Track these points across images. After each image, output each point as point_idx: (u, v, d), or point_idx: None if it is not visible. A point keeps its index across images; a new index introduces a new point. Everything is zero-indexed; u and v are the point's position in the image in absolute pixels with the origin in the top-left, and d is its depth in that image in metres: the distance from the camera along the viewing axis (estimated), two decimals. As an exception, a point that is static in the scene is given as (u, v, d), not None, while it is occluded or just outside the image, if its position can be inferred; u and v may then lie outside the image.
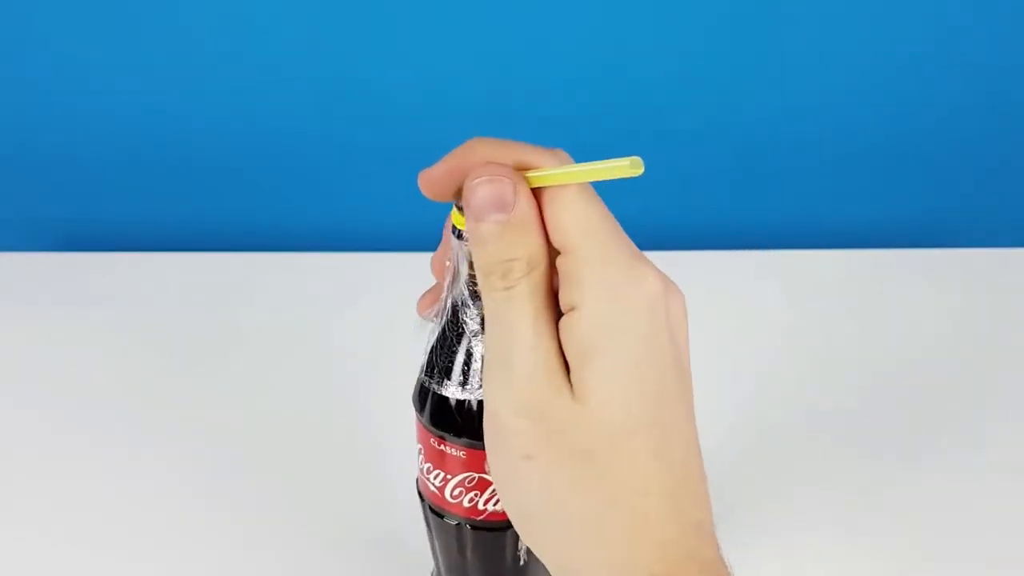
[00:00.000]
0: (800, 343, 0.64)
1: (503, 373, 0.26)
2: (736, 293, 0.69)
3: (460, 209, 0.28)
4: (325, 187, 0.76)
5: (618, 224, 0.26)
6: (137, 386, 0.60)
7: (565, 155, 0.27)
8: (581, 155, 0.72)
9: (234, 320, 0.67)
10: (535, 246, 0.26)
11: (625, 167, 0.24)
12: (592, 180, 0.25)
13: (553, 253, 0.26)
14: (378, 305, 0.63)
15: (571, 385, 0.25)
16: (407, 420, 0.43)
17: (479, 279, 0.27)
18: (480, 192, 0.25)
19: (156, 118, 0.72)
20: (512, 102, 0.70)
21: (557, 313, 0.26)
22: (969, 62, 0.69)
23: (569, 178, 0.25)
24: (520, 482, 0.26)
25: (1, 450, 0.55)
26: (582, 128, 0.71)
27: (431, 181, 0.28)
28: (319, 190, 0.76)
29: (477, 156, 0.26)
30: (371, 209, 0.76)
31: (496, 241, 0.25)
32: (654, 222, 0.77)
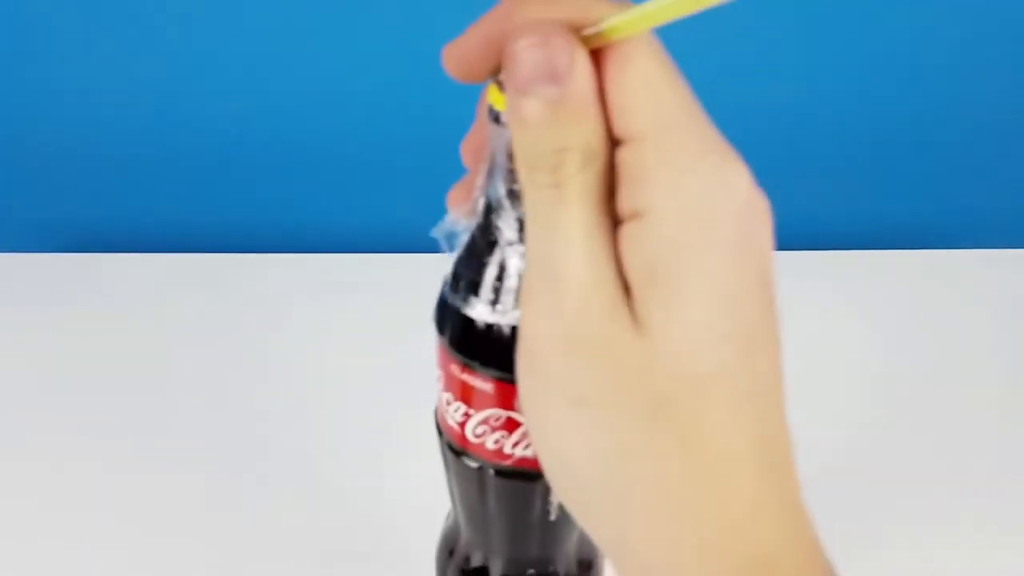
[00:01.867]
0: (799, 343, 0.63)
1: (548, 296, 0.20)
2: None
3: (500, 84, 0.23)
4: (325, 187, 0.76)
5: (700, 107, 0.21)
6: (137, 386, 0.60)
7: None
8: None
9: (234, 320, 0.67)
10: (595, 133, 0.20)
11: None
12: (656, 22, 0.20)
13: (615, 143, 0.20)
14: (378, 305, 0.63)
15: (634, 314, 0.20)
16: (407, 420, 0.43)
17: (521, 174, 0.21)
18: (526, 58, 0.19)
19: (156, 118, 0.72)
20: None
21: (618, 222, 0.21)
22: (969, 62, 0.69)
23: (623, 30, 0.19)
24: (566, 434, 0.21)
25: (1, 450, 0.55)
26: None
27: (460, 52, 0.22)
28: (319, 190, 0.76)
29: (521, 17, 0.20)
30: (371, 209, 0.76)
31: (546, 124, 0.19)
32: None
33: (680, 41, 0.74)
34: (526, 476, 0.29)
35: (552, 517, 0.31)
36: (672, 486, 0.20)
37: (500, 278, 0.25)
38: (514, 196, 0.24)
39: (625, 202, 0.20)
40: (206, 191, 0.76)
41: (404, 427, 0.43)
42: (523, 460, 0.28)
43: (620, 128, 0.20)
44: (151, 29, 0.67)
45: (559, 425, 0.21)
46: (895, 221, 0.78)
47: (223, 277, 0.72)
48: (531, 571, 0.35)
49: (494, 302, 0.25)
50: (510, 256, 0.25)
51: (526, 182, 0.20)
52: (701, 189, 0.19)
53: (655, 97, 0.20)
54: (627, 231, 0.20)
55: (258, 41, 0.68)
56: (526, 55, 0.19)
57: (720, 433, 0.20)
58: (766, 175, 0.84)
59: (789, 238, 0.79)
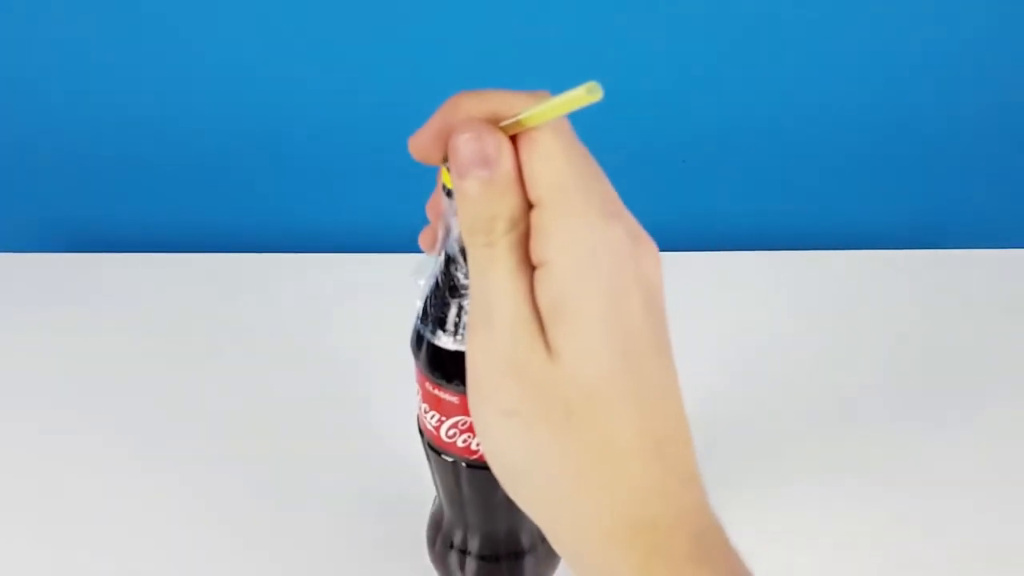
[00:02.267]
0: (799, 343, 0.64)
1: (483, 330, 0.26)
2: (736, 293, 0.69)
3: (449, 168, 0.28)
4: (325, 187, 0.76)
5: (599, 175, 0.26)
6: (137, 386, 0.60)
7: (546, 94, 0.26)
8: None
9: (234, 320, 0.67)
10: (518, 204, 0.25)
11: (582, 95, 0.24)
12: (554, 116, 0.25)
13: (529, 207, 0.26)
14: (377, 305, 0.63)
15: (546, 343, 0.25)
16: (407, 420, 0.43)
17: (463, 235, 0.26)
18: (463, 150, 0.25)
19: (156, 118, 0.72)
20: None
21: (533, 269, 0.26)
22: (969, 62, 0.69)
23: (533, 120, 0.25)
24: (503, 439, 0.26)
25: (1, 450, 0.55)
26: (580, 130, 0.71)
27: (419, 145, 0.28)
28: (319, 190, 0.76)
29: (461, 112, 0.26)
30: (371, 209, 0.76)
31: (479, 198, 0.25)
32: (653, 223, 0.76)
33: (681, 41, 0.75)
34: (489, 467, 0.33)
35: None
36: (578, 472, 0.25)
37: (459, 315, 0.32)
38: (465, 253, 0.29)
39: (534, 254, 0.25)
40: (206, 191, 0.76)
41: (407, 426, 0.43)
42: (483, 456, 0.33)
43: (530, 195, 0.25)
44: (151, 29, 0.67)
45: (495, 432, 0.26)
46: (895, 221, 0.78)
47: (223, 276, 0.72)
48: (502, 542, 0.42)
49: (455, 334, 0.32)
50: (465, 299, 0.31)
51: (467, 242, 0.26)
52: (585, 241, 0.25)
53: (554, 170, 0.25)
54: (536, 277, 0.25)
55: (258, 41, 0.68)
56: (464, 147, 0.25)
57: (612, 428, 0.25)
58: (766, 175, 0.84)
59: (789, 238, 0.80)
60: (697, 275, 0.70)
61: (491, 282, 0.26)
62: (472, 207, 0.25)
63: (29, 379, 0.61)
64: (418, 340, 0.34)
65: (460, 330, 0.32)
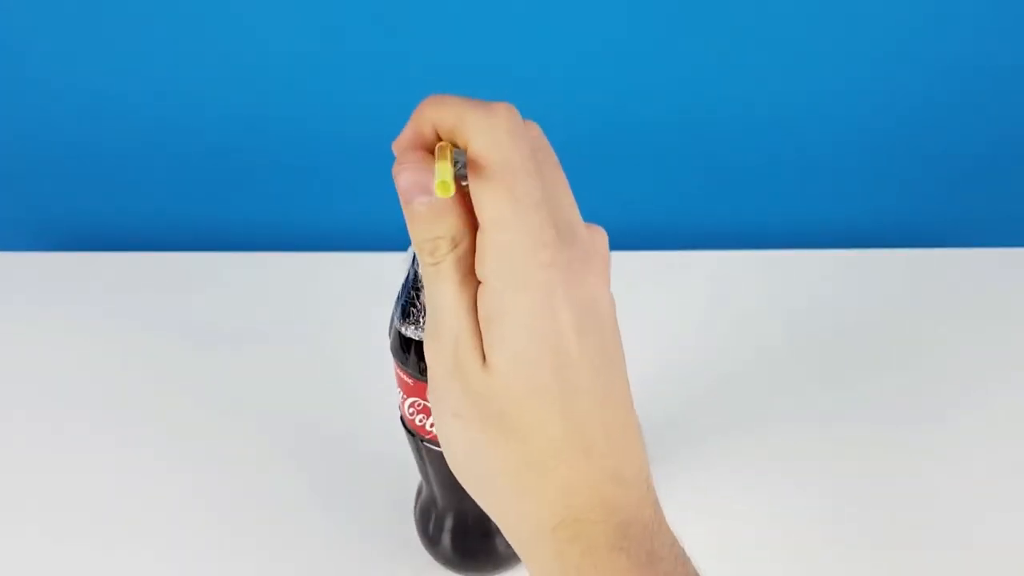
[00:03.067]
0: (799, 343, 0.64)
1: (433, 339, 0.29)
2: (736, 293, 0.69)
3: None
4: (325, 187, 0.76)
5: (537, 203, 0.27)
6: (137, 385, 0.60)
7: (504, 115, 0.27)
8: (580, 155, 0.72)
9: (234, 320, 0.67)
10: (457, 225, 0.28)
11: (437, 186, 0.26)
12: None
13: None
14: (377, 305, 0.63)
15: (483, 353, 0.28)
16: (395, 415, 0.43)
17: (416, 254, 0.30)
18: (403, 179, 0.28)
19: (156, 118, 0.72)
20: (513, 101, 0.70)
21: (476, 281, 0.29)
22: (969, 62, 0.69)
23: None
24: (452, 438, 0.29)
25: (1, 450, 0.55)
26: (581, 129, 0.71)
27: (399, 152, 0.30)
28: (319, 190, 0.76)
29: (427, 123, 0.29)
30: (371, 209, 0.76)
31: (422, 221, 0.28)
32: (653, 222, 0.77)
33: (681, 40, 0.74)
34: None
35: None
36: (511, 474, 0.28)
37: (415, 306, 0.37)
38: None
39: (476, 267, 0.28)
40: (205, 191, 0.76)
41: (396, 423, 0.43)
42: (436, 436, 0.37)
43: (477, 215, 0.28)
44: (150, 29, 0.67)
45: (446, 430, 0.29)
46: (895, 221, 0.78)
47: (222, 276, 0.72)
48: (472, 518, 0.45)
49: (414, 324, 0.37)
50: (421, 291, 0.36)
51: (419, 261, 0.30)
52: (515, 259, 0.27)
53: (492, 202, 0.27)
54: (479, 291, 0.28)
55: (257, 40, 0.68)
56: (403, 177, 0.28)
57: (540, 433, 0.27)
58: (766, 175, 0.84)
59: (789, 238, 0.80)
60: (696, 275, 0.70)
61: (437, 296, 0.28)
62: (417, 230, 0.28)
63: (28, 378, 0.61)
64: (390, 326, 0.39)
65: (417, 319, 0.36)
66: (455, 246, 0.28)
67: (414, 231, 0.29)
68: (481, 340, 0.28)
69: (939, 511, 0.51)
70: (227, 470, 0.54)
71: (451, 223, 0.28)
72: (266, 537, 0.49)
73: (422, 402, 0.39)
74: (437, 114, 0.29)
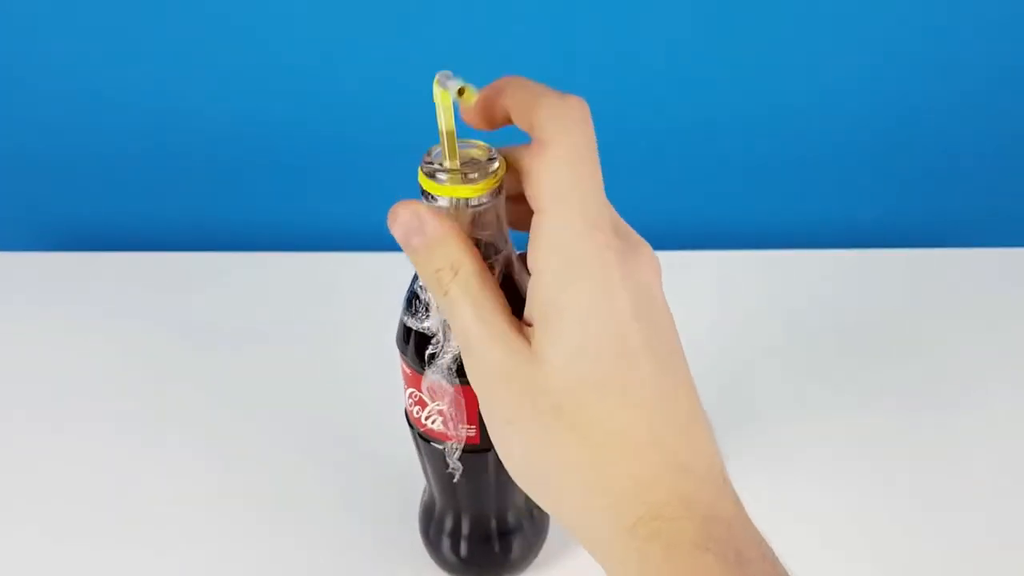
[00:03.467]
0: (800, 343, 0.64)
1: (469, 358, 0.29)
2: (736, 293, 0.69)
3: (428, 175, 0.33)
4: (325, 187, 0.76)
5: (597, 189, 0.27)
6: (136, 385, 0.60)
7: (577, 104, 0.28)
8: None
9: (234, 320, 0.67)
10: (453, 253, 0.29)
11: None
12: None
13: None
14: (377, 304, 0.63)
15: (532, 348, 0.27)
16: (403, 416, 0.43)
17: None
18: (397, 226, 0.30)
19: (156, 118, 0.72)
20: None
21: (495, 287, 0.30)
22: (969, 62, 0.69)
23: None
24: (508, 446, 0.29)
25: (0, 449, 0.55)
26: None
27: (469, 115, 0.31)
28: (319, 190, 0.76)
29: (500, 97, 0.31)
30: (371, 209, 0.76)
31: (421, 256, 0.30)
32: (653, 222, 0.77)
33: (681, 40, 0.74)
34: (434, 441, 0.40)
35: (455, 479, 0.41)
36: (579, 473, 0.27)
37: (419, 297, 0.37)
38: None
39: (528, 258, 0.28)
40: (205, 190, 0.76)
41: (405, 425, 0.43)
42: (429, 430, 0.39)
43: (531, 200, 0.28)
44: (150, 29, 0.67)
45: (502, 439, 0.29)
46: (895, 221, 0.78)
47: (222, 276, 0.72)
48: (491, 522, 0.45)
49: (414, 314, 0.37)
50: (425, 294, 0.37)
51: (434, 298, 0.32)
52: (571, 247, 0.27)
53: (552, 182, 0.27)
54: (529, 283, 0.28)
55: (257, 40, 0.68)
56: (397, 223, 0.30)
57: (601, 426, 0.26)
58: (766, 175, 0.84)
59: (789, 238, 0.80)
60: (697, 275, 0.70)
61: (458, 320, 0.29)
62: (421, 267, 0.30)
63: (28, 378, 0.61)
64: (400, 318, 0.39)
65: (418, 312, 0.37)
66: (455, 272, 0.29)
67: (419, 269, 0.30)
68: (518, 342, 0.28)
69: (939, 511, 0.51)
70: (227, 470, 0.54)
71: (446, 251, 0.29)
72: (266, 537, 0.49)
73: (418, 393, 0.39)
74: (513, 91, 0.30)
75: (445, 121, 0.34)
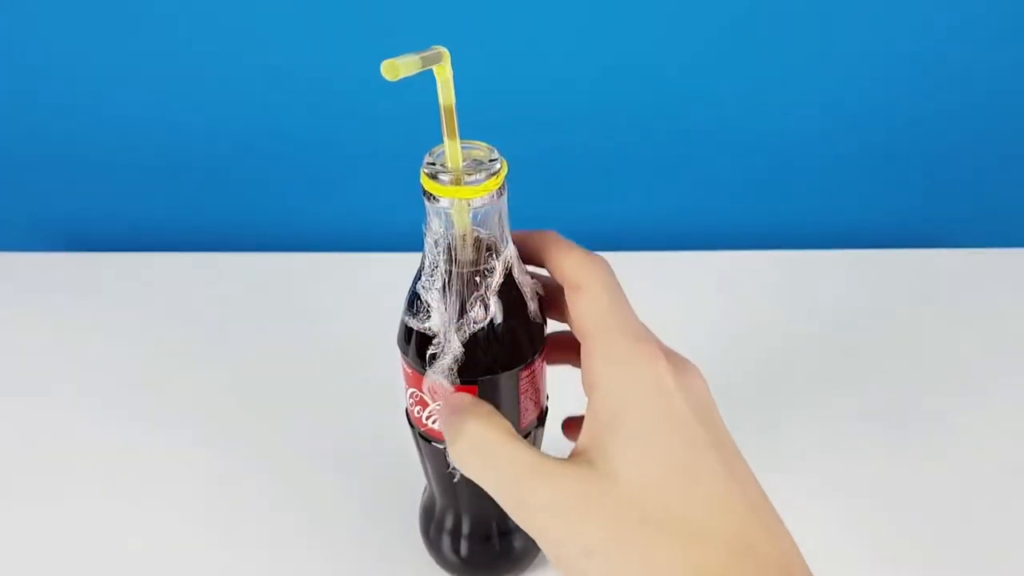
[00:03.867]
0: (800, 343, 0.64)
1: (531, 498, 0.29)
2: (736, 293, 0.69)
3: (430, 176, 0.34)
4: (325, 187, 0.76)
5: (634, 314, 0.31)
6: (136, 385, 0.60)
7: (602, 260, 0.32)
8: (574, 157, 0.72)
9: (233, 320, 0.67)
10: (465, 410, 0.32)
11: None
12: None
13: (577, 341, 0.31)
14: (376, 304, 0.63)
15: (588, 463, 0.28)
16: (403, 416, 0.43)
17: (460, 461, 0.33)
18: (447, 423, 0.33)
19: (156, 118, 0.72)
20: (513, 102, 0.70)
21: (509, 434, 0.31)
22: (969, 62, 0.69)
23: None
24: None
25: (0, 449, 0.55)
26: (581, 128, 0.71)
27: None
28: (319, 190, 0.76)
29: (541, 248, 0.35)
30: (371, 209, 0.76)
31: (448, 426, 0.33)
32: (654, 222, 0.77)
33: (682, 42, 0.74)
34: (434, 441, 0.40)
35: (455, 479, 0.41)
36: (668, 569, 0.26)
37: (418, 298, 0.37)
38: (434, 249, 0.36)
39: (585, 379, 0.30)
40: (204, 191, 0.76)
41: (404, 425, 0.43)
42: (431, 430, 0.40)
43: (578, 333, 0.31)
44: (149, 29, 0.67)
45: (578, 571, 0.27)
46: (895, 221, 0.78)
47: (223, 276, 0.72)
48: (492, 521, 0.45)
49: (415, 314, 0.37)
50: (419, 280, 0.38)
51: (462, 467, 0.33)
52: (627, 360, 0.29)
53: (597, 309, 0.30)
54: (588, 406, 0.29)
55: (256, 41, 0.68)
56: (447, 422, 0.33)
57: (694, 526, 0.26)
58: (767, 175, 0.84)
59: (789, 238, 0.80)
60: (697, 275, 0.70)
61: (504, 471, 0.30)
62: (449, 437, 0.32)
63: (27, 378, 0.61)
64: (402, 328, 0.40)
65: (419, 312, 0.37)
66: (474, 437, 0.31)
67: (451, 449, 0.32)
68: (582, 467, 0.28)
69: (938, 511, 0.51)
70: (226, 471, 0.54)
71: (472, 428, 0.32)
72: (264, 537, 0.49)
73: (419, 393, 0.39)
74: (548, 243, 0.33)
75: (444, 96, 0.34)
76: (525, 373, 0.39)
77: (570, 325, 0.32)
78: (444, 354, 0.37)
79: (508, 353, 0.38)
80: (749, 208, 0.77)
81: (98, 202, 0.77)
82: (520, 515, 0.29)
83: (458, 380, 0.37)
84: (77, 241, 0.79)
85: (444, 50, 0.32)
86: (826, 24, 0.67)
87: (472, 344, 0.37)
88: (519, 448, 0.29)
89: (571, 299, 0.31)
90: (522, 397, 0.40)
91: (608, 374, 0.29)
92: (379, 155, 0.73)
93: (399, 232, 0.73)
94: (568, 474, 0.28)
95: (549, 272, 0.34)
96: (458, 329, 0.37)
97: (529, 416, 0.41)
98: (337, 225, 0.78)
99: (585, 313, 0.30)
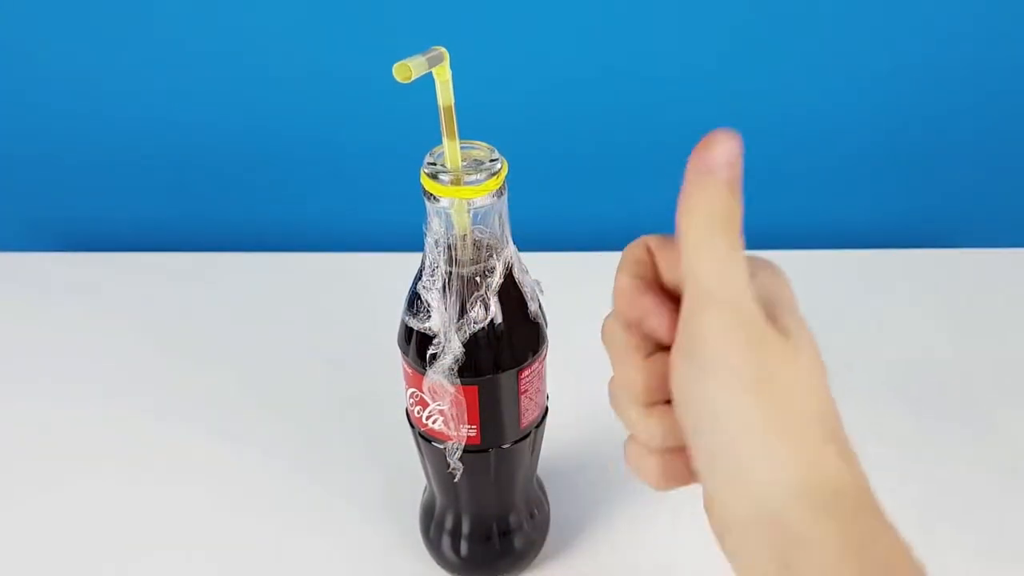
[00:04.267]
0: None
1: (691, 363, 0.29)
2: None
3: (431, 176, 0.35)
4: (326, 187, 0.76)
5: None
6: (136, 385, 0.60)
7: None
8: (574, 157, 0.71)
9: (233, 320, 0.67)
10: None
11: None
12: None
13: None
14: (378, 304, 0.63)
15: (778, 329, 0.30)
16: (403, 418, 0.43)
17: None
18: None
19: (156, 118, 0.72)
20: (514, 102, 0.70)
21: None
22: (969, 62, 0.69)
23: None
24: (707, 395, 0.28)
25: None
26: (582, 128, 0.71)
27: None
28: (320, 190, 0.76)
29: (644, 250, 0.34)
30: (371, 209, 0.76)
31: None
32: (654, 222, 0.76)
33: (683, 42, 0.74)
34: (434, 440, 0.40)
35: (455, 478, 0.41)
36: (768, 435, 0.28)
37: (417, 297, 0.38)
38: (434, 247, 0.37)
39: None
40: (204, 191, 0.76)
41: (402, 424, 0.43)
42: (431, 430, 0.40)
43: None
44: (149, 29, 0.67)
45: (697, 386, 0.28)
46: (895, 221, 0.78)
47: (221, 276, 0.72)
48: (493, 520, 0.45)
49: (415, 314, 0.38)
50: (423, 289, 0.38)
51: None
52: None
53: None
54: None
55: (256, 41, 0.68)
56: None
57: (799, 402, 0.30)
58: (767, 175, 0.84)
59: (789, 238, 0.80)
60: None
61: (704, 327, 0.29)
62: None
63: (28, 378, 0.61)
64: (403, 328, 0.39)
65: (419, 311, 0.37)
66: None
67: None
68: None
69: (938, 510, 0.51)
70: (225, 471, 0.54)
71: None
72: (263, 537, 0.49)
73: (419, 393, 0.39)
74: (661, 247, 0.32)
75: (443, 96, 0.34)
76: (526, 373, 0.39)
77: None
78: (444, 354, 0.37)
79: (508, 353, 0.38)
80: (749, 208, 0.77)
81: (98, 202, 0.77)
82: (704, 310, 0.29)
83: (458, 380, 0.37)
84: (77, 241, 0.79)
85: (444, 51, 0.32)
86: (826, 25, 0.67)
87: (472, 344, 0.37)
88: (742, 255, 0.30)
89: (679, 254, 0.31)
90: (522, 397, 0.40)
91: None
92: (380, 155, 0.73)
93: (400, 232, 0.73)
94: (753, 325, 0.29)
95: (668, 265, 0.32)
96: (458, 329, 0.37)
97: (530, 415, 0.41)
98: (338, 225, 0.78)
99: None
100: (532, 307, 0.39)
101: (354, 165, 0.74)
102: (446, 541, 0.45)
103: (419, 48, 0.33)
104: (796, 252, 0.74)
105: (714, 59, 0.69)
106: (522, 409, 0.40)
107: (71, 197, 0.77)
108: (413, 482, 0.48)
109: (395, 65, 0.30)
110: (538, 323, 0.39)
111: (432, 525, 0.46)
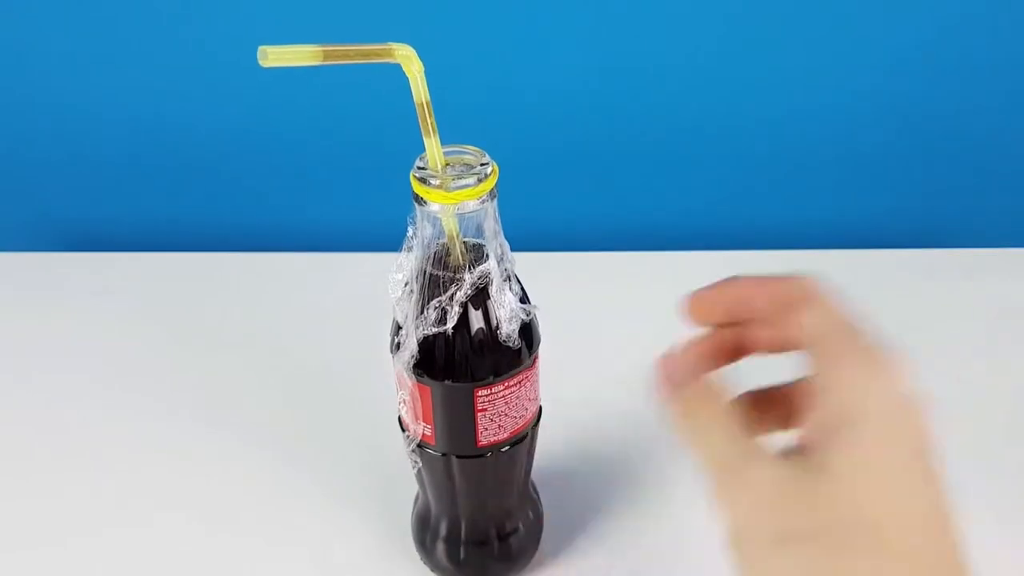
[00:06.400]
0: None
1: (735, 477, 0.28)
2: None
3: (420, 180, 0.35)
4: (325, 187, 0.76)
5: (864, 328, 0.30)
6: (136, 385, 0.60)
7: (816, 281, 0.32)
8: (577, 157, 0.71)
9: (233, 320, 0.67)
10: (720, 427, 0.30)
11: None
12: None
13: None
14: (377, 305, 0.63)
15: (805, 459, 0.27)
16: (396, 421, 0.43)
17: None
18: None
19: (156, 118, 0.72)
20: (514, 102, 0.70)
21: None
22: (969, 62, 0.69)
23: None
24: (777, 568, 0.26)
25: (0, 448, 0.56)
26: (582, 128, 0.71)
27: (701, 304, 0.33)
28: (319, 190, 0.76)
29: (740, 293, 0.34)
30: (371, 209, 0.76)
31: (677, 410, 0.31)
32: (654, 222, 0.77)
33: (684, 42, 0.74)
34: (428, 447, 0.40)
35: (415, 469, 0.42)
36: None
37: (405, 298, 0.38)
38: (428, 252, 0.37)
39: (810, 374, 0.29)
40: (205, 191, 0.76)
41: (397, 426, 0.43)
42: (402, 418, 0.41)
43: (806, 339, 0.30)
44: (149, 29, 0.67)
45: (772, 562, 0.26)
46: (895, 221, 0.78)
47: (223, 276, 0.72)
48: (490, 524, 0.44)
49: (400, 304, 0.38)
50: (405, 288, 0.38)
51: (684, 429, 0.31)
52: (864, 377, 0.27)
53: (833, 318, 0.30)
54: (814, 404, 0.28)
55: (257, 42, 0.68)
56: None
57: (897, 542, 0.26)
58: (767, 175, 0.84)
59: (790, 238, 0.79)
60: (698, 275, 0.70)
61: (705, 434, 0.30)
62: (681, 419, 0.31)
63: (28, 378, 0.61)
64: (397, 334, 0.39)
65: (401, 296, 0.38)
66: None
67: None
68: (794, 456, 0.27)
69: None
70: (226, 470, 0.54)
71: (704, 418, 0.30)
72: (261, 538, 0.49)
73: (407, 397, 0.39)
74: (758, 283, 0.33)
75: (416, 92, 0.34)
76: (483, 392, 0.38)
77: (792, 341, 0.30)
78: (404, 348, 0.37)
79: (464, 368, 0.37)
80: (750, 208, 0.77)
81: (99, 202, 0.77)
82: (718, 487, 0.28)
83: (414, 377, 0.37)
84: (78, 241, 0.79)
85: (398, 47, 0.32)
86: (826, 25, 0.67)
87: (428, 347, 0.37)
88: (734, 424, 0.29)
89: (800, 310, 0.31)
90: (479, 414, 0.38)
91: (838, 378, 0.27)
92: (380, 156, 0.73)
93: (401, 232, 0.73)
94: (782, 462, 0.27)
95: (760, 305, 0.33)
96: (416, 327, 0.37)
97: (491, 436, 0.39)
98: (338, 225, 0.78)
99: (819, 320, 0.30)
100: (506, 329, 0.37)
101: (354, 165, 0.74)
102: (441, 548, 0.45)
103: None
104: (796, 252, 0.74)
105: (714, 60, 0.69)
106: (479, 427, 0.39)
107: (71, 197, 0.77)
108: (412, 482, 0.48)
109: (261, 48, 0.31)
110: (508, 347, 0.37)
111: (427, 533, 0.46)
